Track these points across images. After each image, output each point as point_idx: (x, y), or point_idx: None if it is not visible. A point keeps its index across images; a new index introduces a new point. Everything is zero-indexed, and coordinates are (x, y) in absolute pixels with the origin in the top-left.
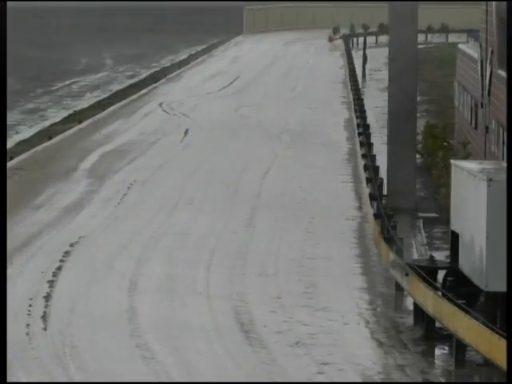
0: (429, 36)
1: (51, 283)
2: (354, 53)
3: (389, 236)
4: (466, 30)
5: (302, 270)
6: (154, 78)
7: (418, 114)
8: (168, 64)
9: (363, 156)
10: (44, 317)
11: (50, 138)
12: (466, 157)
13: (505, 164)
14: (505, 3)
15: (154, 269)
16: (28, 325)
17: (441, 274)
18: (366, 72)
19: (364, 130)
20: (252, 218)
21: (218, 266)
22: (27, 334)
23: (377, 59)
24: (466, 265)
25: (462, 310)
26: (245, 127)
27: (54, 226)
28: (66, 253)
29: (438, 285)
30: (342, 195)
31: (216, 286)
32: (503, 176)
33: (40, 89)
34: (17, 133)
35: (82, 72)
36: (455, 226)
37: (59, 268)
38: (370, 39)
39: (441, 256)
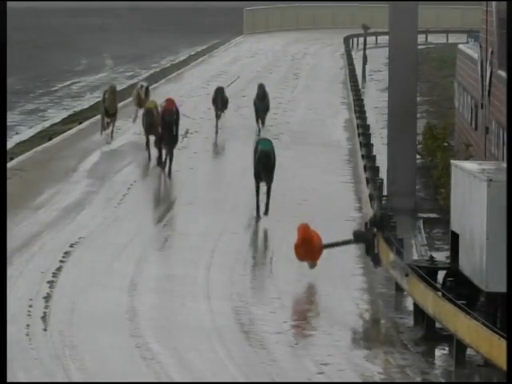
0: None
1: (51, 283)
2: (353, 53)
3: (388, 236)
4: (465, 31)
5: (301, 271)
6: (153, 79)
7: (418, 115)
8: (168, 64)
9: (363, 156)
10: (44, 317)
11: (50, 138)
12: (468, 158)
13: (505, 165)
14: (505, 3)
15: (154, 269)
16: (28, 325)
17: (441, 275)
18: (366, 72)
19: (364, 130)
20: (252, 218)
21: (218, 266)
22: (27, 334)
23: (377, 60)
24: (466, 265)
25: (462, 310)
26: (245, 127)
27: (54, 227)
28: (66, 253)
29: (438, 285)
30: (342, 196)
31: (216, 286)
32: (503, 177)
33: (40, 89)
34: (17, 133)
35: (82, 72)
36: (455, 226)
37: (59, 268)
38: (370, 39)
39: (441, 256)
